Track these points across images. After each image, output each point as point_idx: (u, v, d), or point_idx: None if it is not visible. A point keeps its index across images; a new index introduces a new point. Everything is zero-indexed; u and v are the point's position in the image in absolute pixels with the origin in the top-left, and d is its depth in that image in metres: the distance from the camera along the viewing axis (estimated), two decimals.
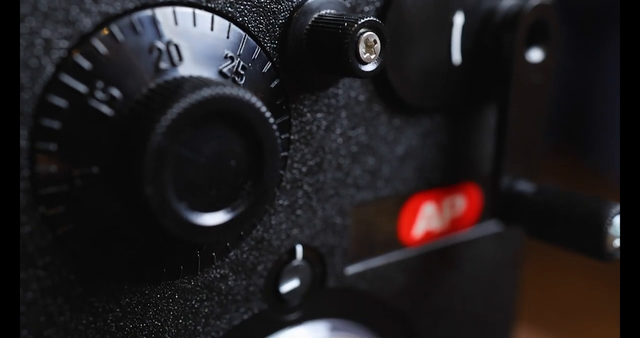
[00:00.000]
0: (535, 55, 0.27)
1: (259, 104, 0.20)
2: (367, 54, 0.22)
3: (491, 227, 0.31)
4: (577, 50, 1.35)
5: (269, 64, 0.22)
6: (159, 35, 0.20)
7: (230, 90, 0.19)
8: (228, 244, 0.23)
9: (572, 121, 1.38)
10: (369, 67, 0.22)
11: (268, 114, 0.20)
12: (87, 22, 0.19)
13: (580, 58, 1.36)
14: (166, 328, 0.23)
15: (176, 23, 0.20)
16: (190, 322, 0.23)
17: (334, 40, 0.22)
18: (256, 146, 0.20)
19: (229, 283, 0.24)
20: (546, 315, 0.73)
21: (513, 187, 0.28)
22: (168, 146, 0.18)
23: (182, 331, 0.23)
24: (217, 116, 0.19)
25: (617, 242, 0.26)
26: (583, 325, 0.72)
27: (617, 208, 0.26)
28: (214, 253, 0.23)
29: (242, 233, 0.23)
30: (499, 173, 0.28)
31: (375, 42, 0.22)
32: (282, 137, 0.23)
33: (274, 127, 0.20)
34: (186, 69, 0.20)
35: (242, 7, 0.21)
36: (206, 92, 0.19)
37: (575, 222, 0.26)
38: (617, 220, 0.26)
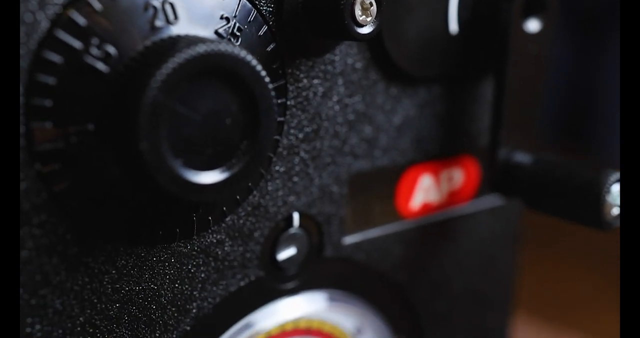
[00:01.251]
0: (532, 25, 0.27)
1: (254, 62, 0.20)
2: (363, 17, 0.22)
3: (489, 201, 0.31)
4: (579, 49, 1.36)
5: (265, 28, 0.22)
6: None
7: (225, 47, 0.19)
8: (224, 208, 0.23)
9: (574, 120, 1.38)
10: (365, 30, 0.22)
11: (263, 73, 0.20)
12: None
13: (583, 57, 1.36)
14: (162, 292, 0.22)
15: None
16: (187, 286, 0.23)
17: (330, 2, 0.22)
18: (251, 105, 0.20)
19: (226, 248, 0.23)
20: (546, 307, 0.73)
21: (510, 159, 0.28)
22: (163, 101, 0.18)
23: (179, 295, 0.23)
24: (212, 73, 0.19)
25: (615, 211, 0.26)
26: (583, 317, 0.72)
27: (615, 176, 0.26)
28: (210, 218, 0.23)
29: (238, 197, 0.23)
30: (496, 144, 0.28)
31: (371, 4, 0.22)
32: (279, 101, 0.23)
33: (269, 86, 0.20)
34: (182, 28, 0.20)
35: None
36: (201, 48, 0.19)
37: (573, 191, 0.26)
38: (615, 188, 0.26)
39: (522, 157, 0.28)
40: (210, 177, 0.20)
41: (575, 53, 1.36)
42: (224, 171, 0.20)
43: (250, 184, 0.23)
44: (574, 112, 1.39)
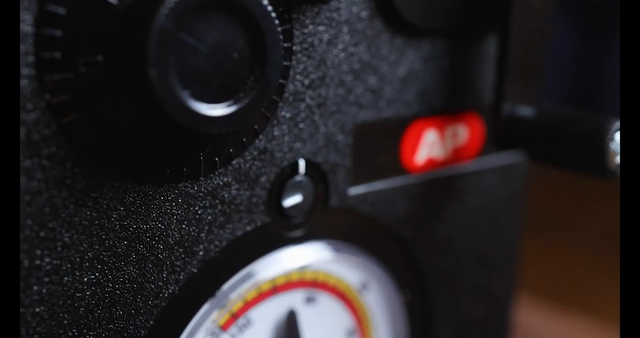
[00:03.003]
0: None
1: None
2: None
3: (495, 160, 0.31)
4: (584, 42, 1.36)
5: None
6: None
7: None
8: (231, 150, 0.23)
9: (579, 108, 1.39)
10: None
11: (270, 8, 0.20)
12: None
13: (588, 50, 1.36)
14: (169, 232, 0.23)
15: None
16: (194, 228, 0.23)
17: None
18: (258, 40, 0.20)
19: (232, 192, 0.24)
20: (551, 290, 0.73)
21: (514, 113, 0.28)
22: (172, 29, 0.19)
23: (186, 237, 0.23)
24: (220, 5, 0.19)
25: (619, 159, 0.26)
26: (588, 300, 0.72)
27: (619, 123, 0.26)
28: (217, 159, 0.23)
29: (244, 140, 0.23)
30: (500, 98, 0.28)
31: None
32: (285, 45, 0.23)
33: (276, 21, 0.20)
34: None
35: None
36: None
37: (576, 140, 0.26)
38: (618, 135, 0.26)
39: (525, 111, 0.28)
40: (217, 109, 0.20)
41: (582, 45, 1.37)
42: (230, 105, 0.20)
43: (256, 127, 0.23)
44: (579, 102, 1.40)
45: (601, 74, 1.35)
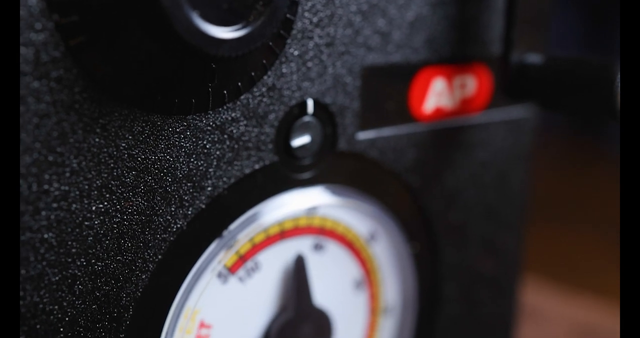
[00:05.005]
0: None
1: None
2: None
3: (503, 113, 0.31)
4: (589, 36, 1.36)
5: None
6: None
7: None
8: (239, 84, 0.23)
9: None
10: None
11: None
12: None
13: (594, 44, 1.36)
14: (178, 165, 0.23)
15: None
16: (202, 162, 0.23)
17: None
18: None
19: (241, 128, 0.24)
20: (556, 270, 0.72)
21: (523, 61, 0.28)
22: None
23: (194, 171, 0.23)
24: None
25: None
26: (593, 278, 0.71)
27: None
28: (225, 92, 0.23)
29: (253, 74, 0.23)
30: (509, 46, 0.28)
31: None
32: None
33: None
34: None
35: None
36: None
37: (585, 84, 0.26)
38: None
39: (533, 58, 0.28)
40: (226, 32, 0.20)
41: (587, 40, 1.37)
42: (239, 28, 0.20)
43: (264, 62, 0.23)
44: None
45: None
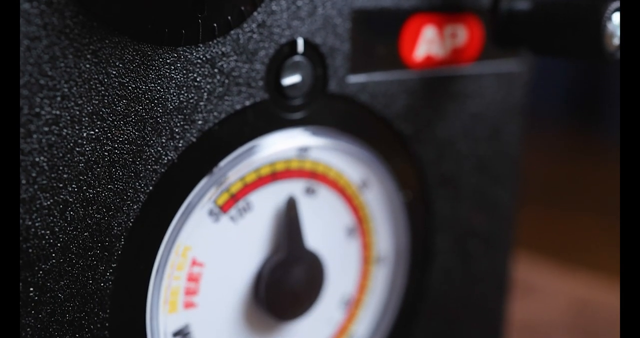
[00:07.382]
0: None
1: None
2: None
3: (493, 66, 0.31)
4: None
5: None
6: None
7: None
8: (229, 18, 0.23)
9: (586, 96, 1.39)
10: None
11: None
12: None
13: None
14: (169, 96, 0.23)
15: None
16: (192, 95, 0.23)
17: None
18: None
19: (231, 63, 0.24)
20: (552, 246, 0.72)
21: (512, 8, 0.29)
22: None
23: (185, 103, 0.23)
24: None
25: (616, 41, 0.26)
26: (590, 254, 0.71)
27: (616, 4, 0.26)
28: (215, 25, 0.23)
29: (242, 9, 0.24)
30: None
31: None
32: None
33: None
34: None
35: None
36: None
37: (573, 26, 0.26)
38: (616, 16, 0.26)
39: (522, 4, 0.28)
40: None
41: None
42: None
43: None
44: (584, 90, 1.40)
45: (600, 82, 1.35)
